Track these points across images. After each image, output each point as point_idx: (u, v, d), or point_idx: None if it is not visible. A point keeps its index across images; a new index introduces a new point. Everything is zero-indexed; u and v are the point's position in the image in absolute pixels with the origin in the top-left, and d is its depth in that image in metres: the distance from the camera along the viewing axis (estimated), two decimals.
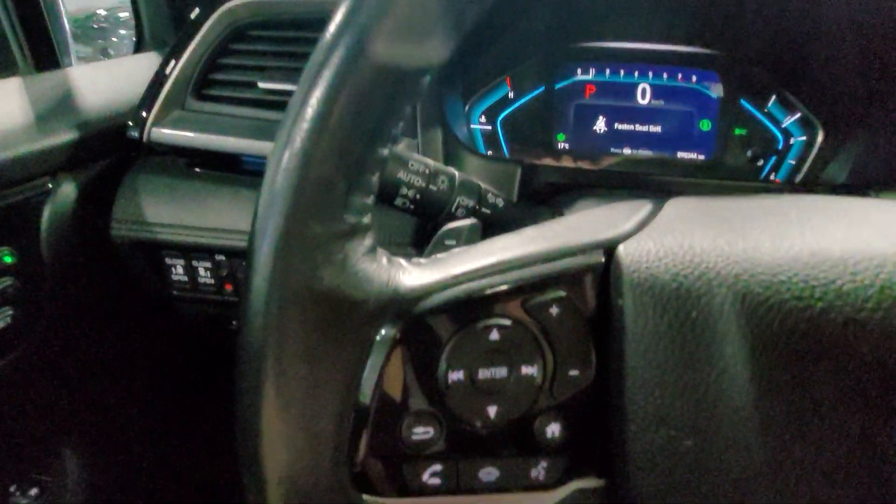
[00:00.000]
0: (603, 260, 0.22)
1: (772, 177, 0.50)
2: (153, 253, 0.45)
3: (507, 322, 0.21)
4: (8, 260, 0.40)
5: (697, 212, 0.24)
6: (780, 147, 0.50)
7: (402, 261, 0.22)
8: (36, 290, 0.42)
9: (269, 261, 0.18)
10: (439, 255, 0.23)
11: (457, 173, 0.35)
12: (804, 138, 0.49)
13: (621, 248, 0.21)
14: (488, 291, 0.21)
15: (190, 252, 0.44)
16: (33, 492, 0.46)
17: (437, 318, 0.20)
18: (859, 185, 0.43)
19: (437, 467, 0.21)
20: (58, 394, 0.50)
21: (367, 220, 0.20)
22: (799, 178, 0.49)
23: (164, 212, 0.45)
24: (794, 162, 0.49)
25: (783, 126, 0.49)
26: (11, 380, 0.42)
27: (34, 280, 0.41)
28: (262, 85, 0.45)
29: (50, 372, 0.47)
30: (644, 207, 0.25)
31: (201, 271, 0.45)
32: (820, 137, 0.48)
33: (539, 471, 0.21)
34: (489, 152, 0.52)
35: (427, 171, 0.33)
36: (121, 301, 0.50)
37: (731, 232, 0.21)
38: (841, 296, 0.18)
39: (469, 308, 0.21)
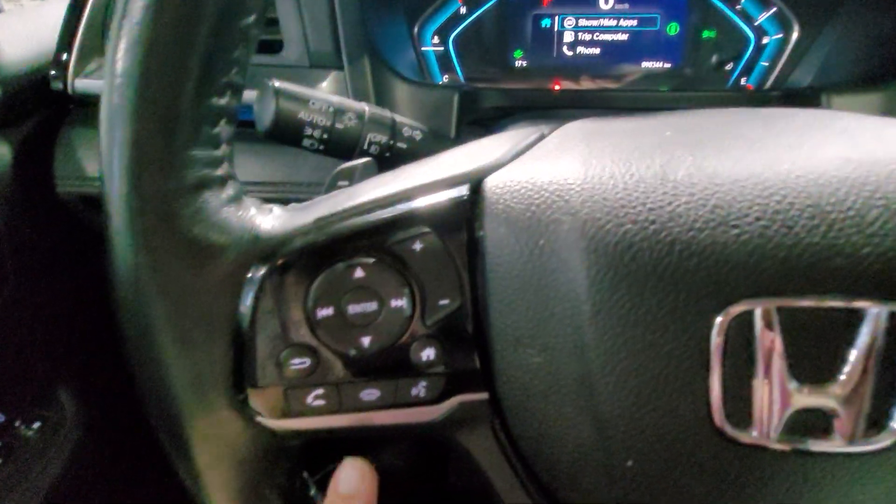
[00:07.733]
0: (467, 194, 0.21)
1: (742, 81, 0.46)
2: (101, 206, 0.46)
3: (370, 260, 0.21)
4: None
5: (581, 136, 0.23)
6: (750, 49, 0.45)
7: (274, 207, 0.22)
8: None
9: (123, 221, 0.18)
10: (317, 199, 0.23)
11: (367, 108, 0.32)
12: (780, 35, 0.44)
13: (487, 181, 0.21)
14: (346, 234, 0.21)
15: None
16: (36, 425, 0.52)
17: (299, 261, 0.21)
18: (819, 88, 0.39)
19: (320, 391, 0.22)
20: (44, 341, 0.53)
21: (221, 171, 0.20)
22: (770, 82, 0.45)
23: None
24: (766, 64, 0.45)
25: (756, 24, 0.45)
26: None
27: None
28: None
29: (31, 322, 0.50)
30: (530, 135, 0.24)
31: None
32: (795, 34, 0.43)
33: (419, 389, 0.22)
34: (445, 77, 0.49)
35: (330, 109, 0.31)
36: (79, 250, 0.52)
37: (593, 158, 0.21)
38: (674, 217, 0.18)
39: (329, 250, 0.21)
